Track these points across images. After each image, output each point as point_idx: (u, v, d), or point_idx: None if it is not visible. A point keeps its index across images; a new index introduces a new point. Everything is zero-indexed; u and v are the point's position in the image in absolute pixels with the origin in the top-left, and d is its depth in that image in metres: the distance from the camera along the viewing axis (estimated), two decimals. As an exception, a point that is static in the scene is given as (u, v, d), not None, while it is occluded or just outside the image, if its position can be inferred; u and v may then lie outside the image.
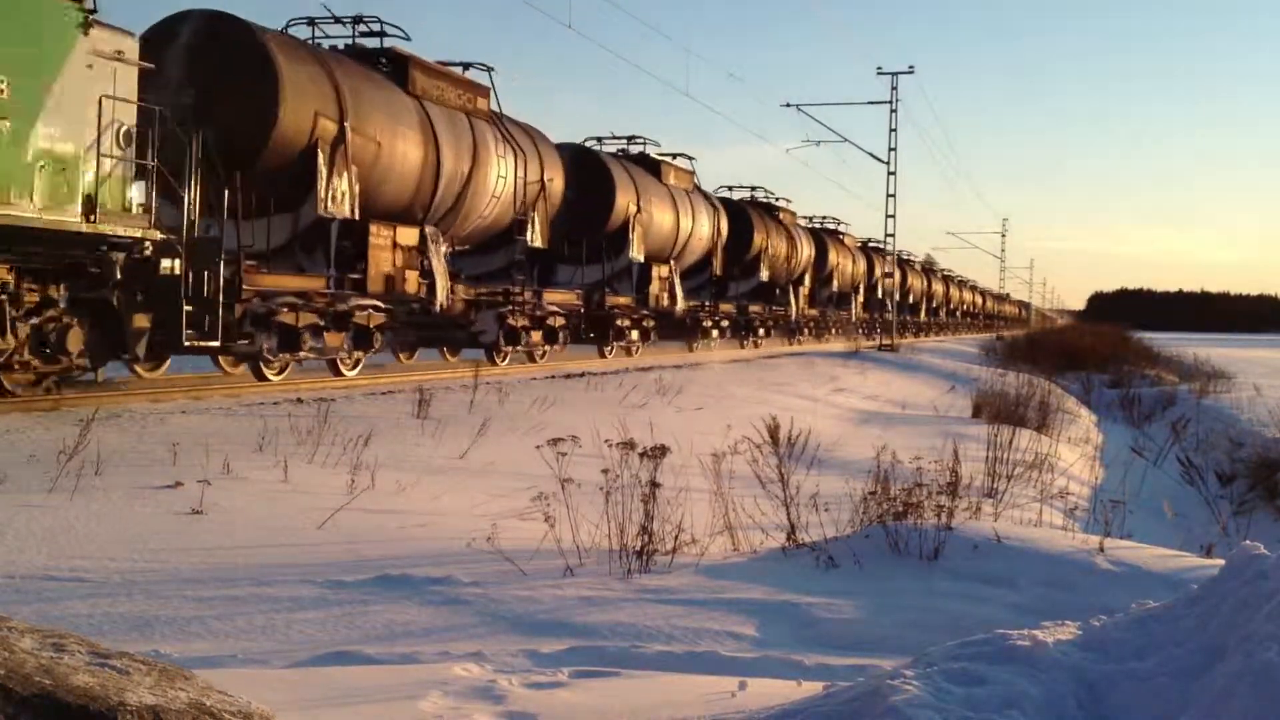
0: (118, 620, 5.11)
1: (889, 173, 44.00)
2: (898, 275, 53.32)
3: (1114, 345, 49.44)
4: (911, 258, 68.80)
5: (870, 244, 53.39)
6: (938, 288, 76.53)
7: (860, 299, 51.10)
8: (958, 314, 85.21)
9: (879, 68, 45.75)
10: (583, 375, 19.49)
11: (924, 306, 69.57)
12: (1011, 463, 10.78)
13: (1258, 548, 4.35)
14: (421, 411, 12.66)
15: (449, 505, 8.38)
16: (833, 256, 45.79)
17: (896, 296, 52.33)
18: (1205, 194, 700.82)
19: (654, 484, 6.60)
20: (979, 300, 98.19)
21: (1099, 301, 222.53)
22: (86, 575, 5.71)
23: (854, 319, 49.70)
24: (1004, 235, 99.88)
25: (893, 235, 45.89)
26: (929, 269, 75.04)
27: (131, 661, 3.18)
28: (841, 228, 50.28)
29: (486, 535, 6.56)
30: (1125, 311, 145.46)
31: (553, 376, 19.01)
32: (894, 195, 44.46)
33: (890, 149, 44.22)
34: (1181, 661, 3.85)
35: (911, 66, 46.02)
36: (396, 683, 4.43)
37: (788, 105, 45.31)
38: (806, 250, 41.63)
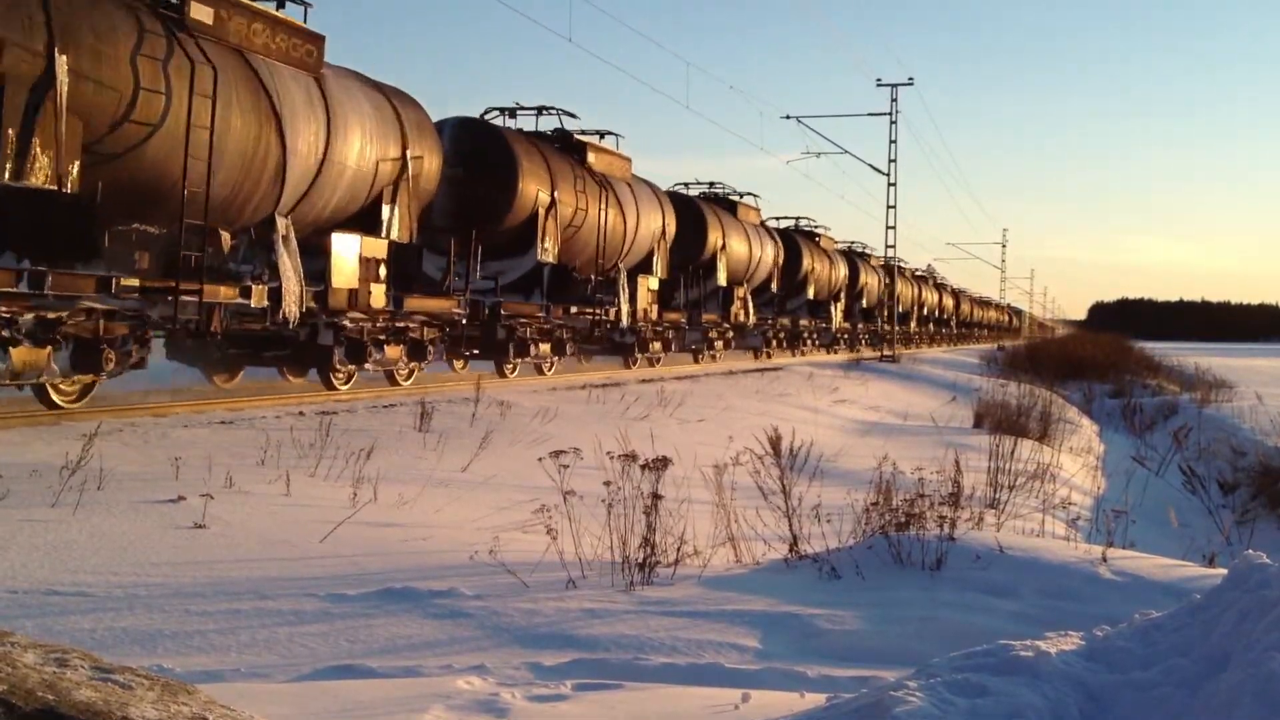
0: (120, 635, 5.11)
1: (889, 184, 44.12)
2: (911, 289, 54.50)
3: (1115, 355, 49.40)
4: (903, 265, 67.95)
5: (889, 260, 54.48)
6: (945, 298, 76.43)
7: (884, 313, 53.08)
8: (911, 321, 65.67)
9: (879, 79, 45.90)
10: (584, 387, 19.52)
11: (932, 317, 71.39)
12: (1013, 473, 10.76)
13: (1260, 557, 4.35)
14: (423, 424, 12.67)
15: (451, 518, 8.38)
16: (863, 276, 50.20)
17: (910, 308, 53.65)
18: (1205, 203, 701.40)
19: (656, 496, 6.60)
20: (950, 303, 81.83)
21: (1100, 311, 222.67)
22: (89, 590, 5.71)
23: (880, 330, 52.37)
24: (1004, 245, 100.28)
25: (893, 246, 46.10)
26: (931, 279, 74.21)
27: (134, 676, 3.18)
28: (868, 250, 53.88)
29: (489, 548, 6.56)
30: (1126, 321, 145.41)
31: (554, 389, 19.03)
32: (894, 206, 44.64)
33: (890, 160, 44.37)
34: (1185, 671, 3.85)
35: (911, 78, 46.23)
36: (399, 696, 4.42)
37: (788, 117, 45.34)
38: (842, 271, 45.81)
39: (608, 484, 6.64)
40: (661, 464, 6.71)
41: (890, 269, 51.75)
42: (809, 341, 43.69)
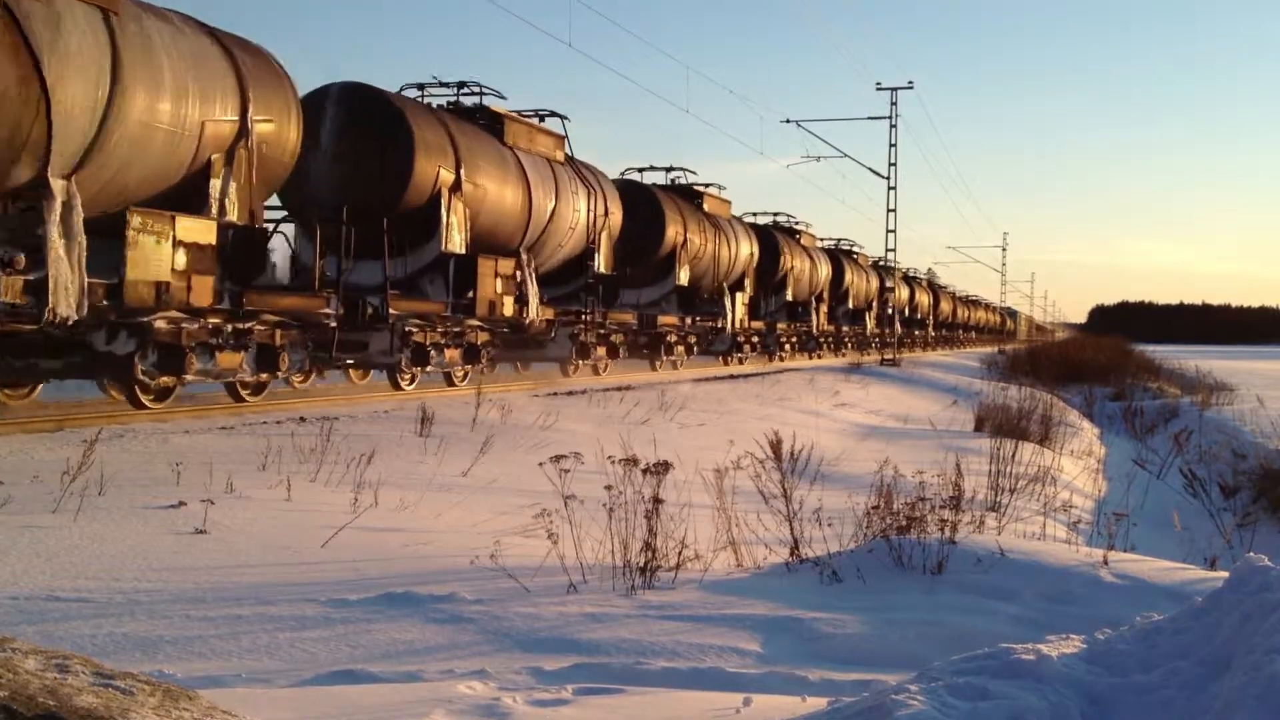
0: (121, 640, 5.11)
1: (889, 188, 44.14)
2: (862, 279, 49.89)
3: (1116, 358, 49.38)
4: (856, 251, 55.94)
5: (879, 262, 52.35)
6: (919, 294, 65.13)
7: (873, 314, 50.63)
8: (868, 318, 51.92)
9: (878, 83, 45.93)
10: (584, 392, 19.51)
11: (898, 315, 59.49)
12: (1014, 476, 10.76)
13: (1262, 560, 4.35)
14: (424, 429, 12.67)
15: (452, 522, 8.38)
16: (849, 276, 46.21)
17: (904, 312, 52.15)
18: (1205, 206, 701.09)
19: (657, 500, 6.60)
20: (925, 299, 66.83)
21: (1100, 314, 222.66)
22: (90, 595, 5.71)
23: (867, 334, 49.68)
24: (1004, 249, 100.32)
25: (893, 250, 45.95)
26: (894, 270, 59.98)
27: (135, 682, 3.18)
28: (855, 248, 50.34)
29: (490, 552, 6.56)
30: (1127, 324, 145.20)
31: (554, 393, 19.01)
32: (894, 210, 44.60)
33: (890, 164, 44.37)
34: (1186, 674, 3.85)
35: (911, 82, 46.40)
36: (401, 701, 4.42)
37: (788, 121, 45.50)
38: (825, 270, 41.05)
39: (609, 488, 6.64)
40: (662, 468, 6.71)
41: (834, 254, 45.27)
42: (788, 346, 38.49)
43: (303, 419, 13.07)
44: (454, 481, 10.09)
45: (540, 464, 7.15)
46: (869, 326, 50.47)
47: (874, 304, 50.93)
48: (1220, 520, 13.10)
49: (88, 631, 5.18)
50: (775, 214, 40.57)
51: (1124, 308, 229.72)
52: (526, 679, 4.83)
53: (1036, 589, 6.36)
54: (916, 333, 63.68)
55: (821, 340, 44.00)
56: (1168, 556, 8.05)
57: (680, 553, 6.73)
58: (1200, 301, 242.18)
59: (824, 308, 42.64)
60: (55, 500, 7.51)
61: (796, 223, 40.92)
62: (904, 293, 58.27)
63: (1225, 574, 5.04)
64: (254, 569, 6.44)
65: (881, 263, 52.70)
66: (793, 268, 37.89)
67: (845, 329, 47.49)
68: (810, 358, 41.39)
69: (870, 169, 44.79)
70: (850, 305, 47.03)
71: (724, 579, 6.73)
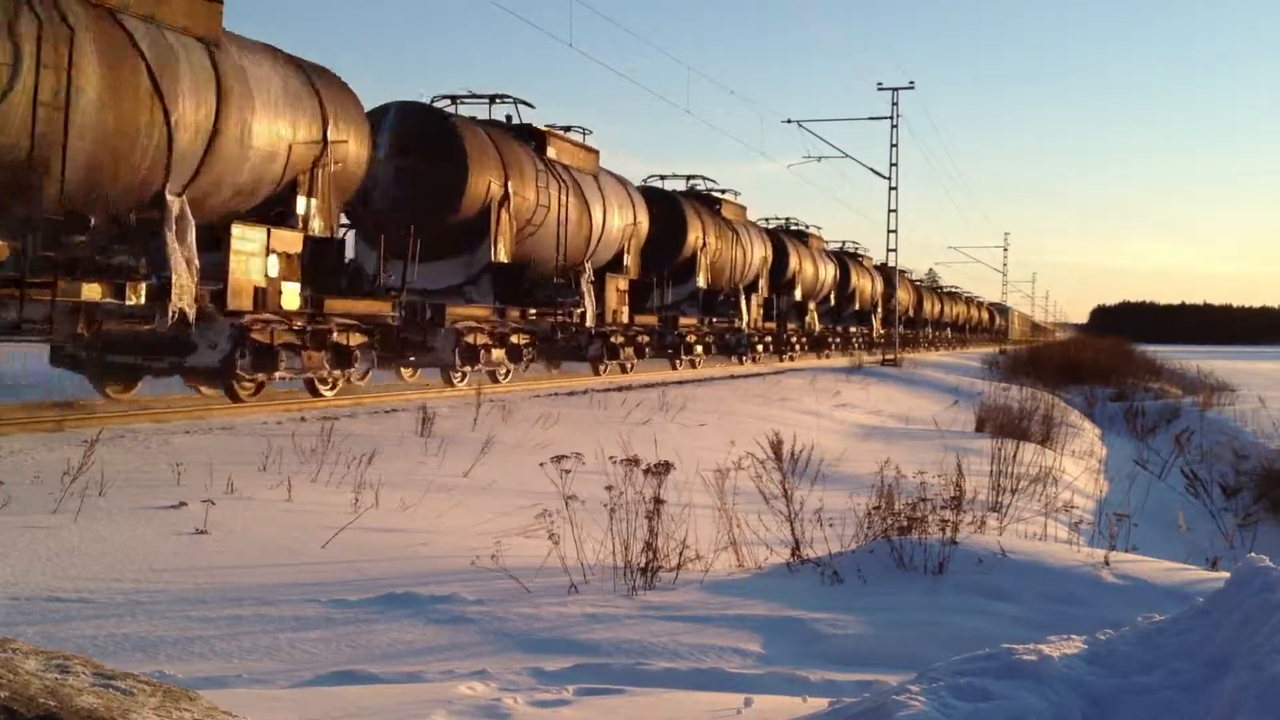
0: (122, 641, 5.11)
1: (890, 188, 44.10)
2: (828, 271, 45.13)
3: (1117, 358, 49.35)
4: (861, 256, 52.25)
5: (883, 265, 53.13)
6: (859, 279, 50.46)
7: (759, 297, 44.59)
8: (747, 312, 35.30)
9: (879, 83, 45.87)
10: (585, 392, 19.52)
11: (824, 305, 46.89)
12: (1016, 476, 10.75)
13: (1263, 560, 4.34)
14: (425, 430, 12.67)
15: (453, 523, 8.38)
16: (893, 289, 52.50)
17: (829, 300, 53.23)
18: (1206, 206, 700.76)
19: (658, 500, 6.59)
20: (866, 285, 50.17)
21: (1101, 314, 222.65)
22: (91, 596, 5.71)
23: (744, 326, 47.38)
24: (1005, 249, 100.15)
25: (894, 250, 45.84)
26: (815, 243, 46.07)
27: (136, 682, 3.18)
28: (861, 251, 53.53)
29: (490, 553, 6.55)
30: (1128, 324, 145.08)
31: (555, 394, 19.01)
32: (895, 210, 44.55)
33: (891, 164, 44.33)
34: (1188, 675, 3.84)
35: (912, 82, 46.29)
36: (401, 701, 4.42)
37: (789, 121, 45.42)
38: (878, 286, 48.52)
39: (610, 489, 6.63)
40: (663, 469, 6.70)
41: (886, 274, 46.32)
42: (833, 344, 43.26)
43: (303, 419, 13.07)
44: (455, 482, 10.09)
45: (541, 464, 7.15)
46: (747, 316, 35.87)
47: (761, 283, 37.23)
48: (1221, 521, 13.10)
49: (88, 632, 5.18)
50: (844, 241, 47.96)
51: (1125, 308, 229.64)
52: (527, 679, 4.83)
53: (1038, 589, 6.35)
54: (854, 329, 48.45)
55: (894, 340, 45.97)
56: (1169, 557, 8.04)
57: (681, 553, 6.73)
58: (1201, 302, 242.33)
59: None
60: (56, 501, 7.50)
61: (859, 245, 45.76)
62: (825, 272, 44.01)
63: (1227, 575, 5.04)
64: (254, 569, 6.43)
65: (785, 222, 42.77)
66: (886, 292, 44.81)
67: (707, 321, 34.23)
68: (741, 361, 36.44)
69: (871, 169, 44.75)
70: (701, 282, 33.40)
71: (725, 579, 6.73)
